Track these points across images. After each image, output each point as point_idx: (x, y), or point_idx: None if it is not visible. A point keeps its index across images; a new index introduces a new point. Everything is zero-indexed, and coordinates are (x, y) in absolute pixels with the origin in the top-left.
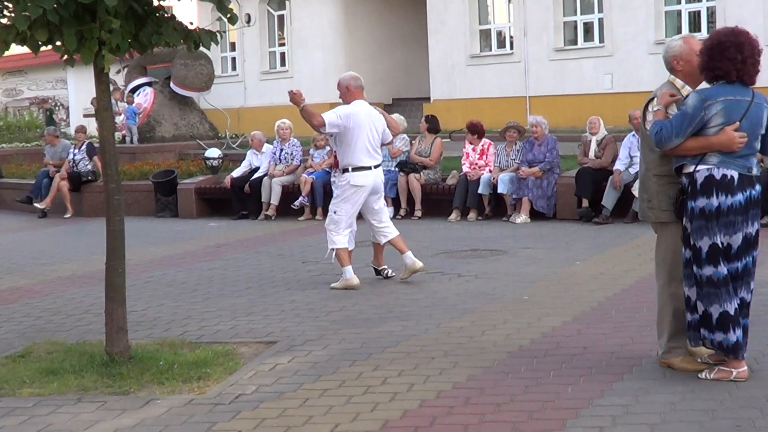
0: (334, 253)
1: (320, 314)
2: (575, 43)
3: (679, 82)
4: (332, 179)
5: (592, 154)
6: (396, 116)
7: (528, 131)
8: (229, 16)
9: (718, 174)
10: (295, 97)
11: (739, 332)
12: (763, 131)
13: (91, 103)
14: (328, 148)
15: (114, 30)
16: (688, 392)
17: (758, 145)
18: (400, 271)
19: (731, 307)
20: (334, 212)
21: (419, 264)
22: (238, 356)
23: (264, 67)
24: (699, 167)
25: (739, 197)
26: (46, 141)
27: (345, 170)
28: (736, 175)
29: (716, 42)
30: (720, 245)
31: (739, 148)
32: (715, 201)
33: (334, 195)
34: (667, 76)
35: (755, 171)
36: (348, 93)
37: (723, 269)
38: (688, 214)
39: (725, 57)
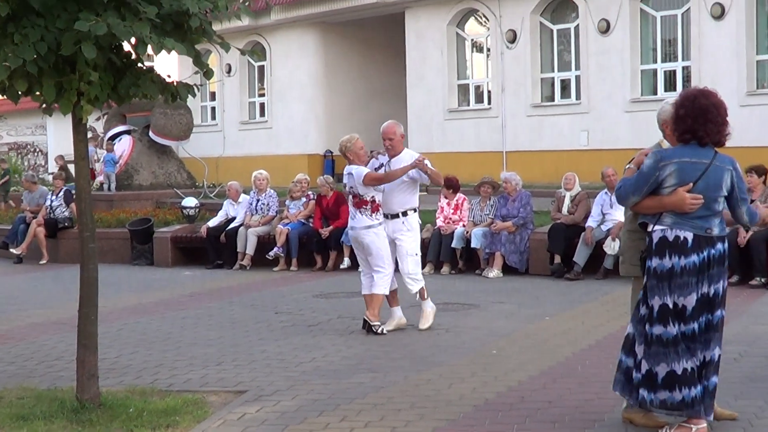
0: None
1: (290, 365)
2: (552, 99)
3: (666, 144)
4: (386, 225)
5: (565, 210)
6: None
7: (501, 187)
8: (205, 70)
9: (671, 235)
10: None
11: (687, 391)
12: (724, 193)
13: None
14: (303, 199)
15: (93, 82)
16: None
17: (719, 207)
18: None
19: (679, 367)
20: (416, 254)
21: (405, 320)
22: (207, 405)
23: (243, 117)
24: (655, 227)
25: (694, 258)
26: (24, 187)
27: (413, 210)
28: (690, 236)
29: (679, 104)
30: (671, 306)
31: (692, 209)
32: (667, 262)
33: (409, 240)
34: (644, 134)
35: (716, 232)
36: (402, 141)
37: (673, 329)
38: (646, 271)
39: (688, 119)
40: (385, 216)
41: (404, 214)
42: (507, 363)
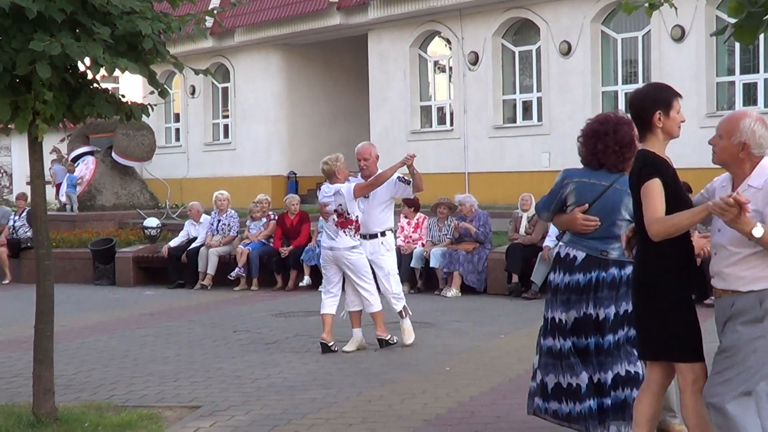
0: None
1: (246, 381)
2: (514, 120)
3: None
4: (364, 245)
5: (522, 230)
6: None
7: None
8: (160, 90)
9: (563, 252)
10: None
11: (573, 405)
12: (625, 217)
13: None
14: (264, 219)
15: (48, 101)
16: None
17: (618, 231)
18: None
19: (564, 381)
20: (397, 273)
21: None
22: (162, 420)
23: (207, 138)
24: (559, 243)
25: (578, 277)
26: None
27: (390, 230)
28: (581, 255)
29: (585, 130)
30: (556, 320)
31: (584, 230)
32: (557, 277)
33: (390, 260)
34: None
35: (613, 255)
36: (377, 162)
37: (559, 343)
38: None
39: (589, 144)
40: (363, 236)
41: (383, 234)
42: (459, 380)
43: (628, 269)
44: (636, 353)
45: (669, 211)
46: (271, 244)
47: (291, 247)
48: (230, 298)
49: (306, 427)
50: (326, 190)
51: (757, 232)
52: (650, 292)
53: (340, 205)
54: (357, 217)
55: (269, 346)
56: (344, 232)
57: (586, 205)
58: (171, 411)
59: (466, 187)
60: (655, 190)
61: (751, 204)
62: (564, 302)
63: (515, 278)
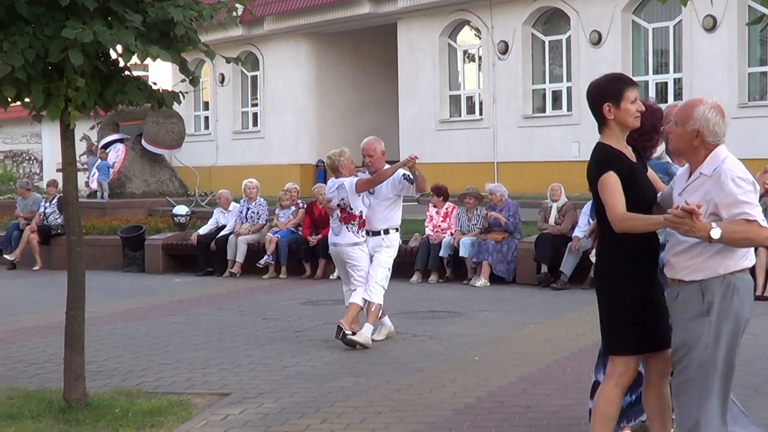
0: (374, 307)
1: (275, 369)
2: (543, 110)
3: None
4: (367, 241)
5: (552, 220)
6: None
7: (486, 197)
8: (191, 78)
9: None
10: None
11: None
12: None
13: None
14: (293, 208)
15: (80, 88)
16: None
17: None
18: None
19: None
20: (388, 268)
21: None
22: (191, 406)
23: (236, 127)
24: None
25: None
26: (18, 193)
27: (395, 230)
28: None
29: None
30: None
31: None
32: None
33: (385, 254)
34: None
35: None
36: (383, 158)
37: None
38: None
39: None
40: (367, 233)
41: (386, 231)
42: (488, 369)
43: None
44: None
45: (629, 202)
46: (300, 233)
47: (319, 235)
48: (259, 286)
49: (335, 415)
50: (330, 184)
51: (715, 233)
52: (603, 283)
53: (343, 199)
54: (361, 212)
55: (298, 335)
56: (347, 228)
57: None
58: (200, 398)
59: (495, 177)
60: (609, 183)
61: (701, 191)
62: None
63: (544, 268)
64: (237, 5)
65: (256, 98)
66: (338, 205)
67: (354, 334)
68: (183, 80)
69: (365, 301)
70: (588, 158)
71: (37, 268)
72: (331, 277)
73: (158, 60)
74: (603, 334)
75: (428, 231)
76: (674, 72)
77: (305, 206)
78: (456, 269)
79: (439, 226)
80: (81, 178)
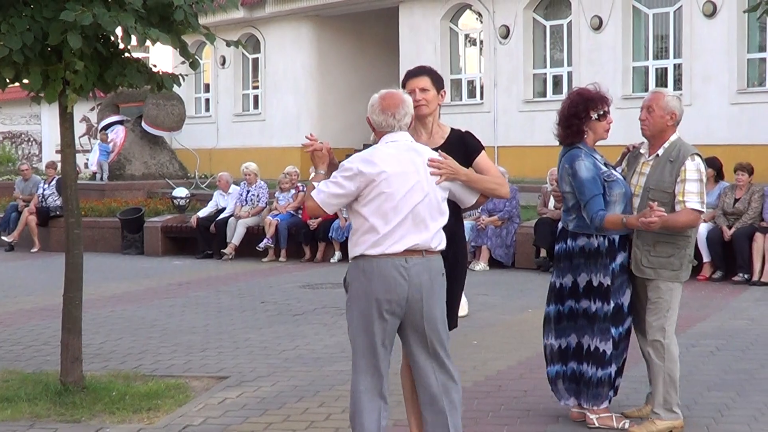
0: None
1: (273, 352)
2: (544, 95)
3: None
4: None
5: (551, 204)
6: None
7: None
8: (191, 60)
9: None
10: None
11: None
12: (567, 190)
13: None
14: (293, 191)
15: (78, 71)
16: None
17: (568, 203)
18: None
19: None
20: None
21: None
22: (189, 389)
23: (237, 109)
24: None
25: (556, 247)
26: (24, 176)
27: None
28: (560, 227)
29: None
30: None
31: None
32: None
33: None
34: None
35: (569, 227)
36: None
37: (549, 308)
38: None
39: None
40: None
41: None
42: (486, 353)
43: (578, 241)
44: (610, 331)
45: None
46: (300, 216)
47: (319, 218)
48: (258, 269)
49: (333, 398)
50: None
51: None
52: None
53: None
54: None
55: (297, 318)
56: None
57: None
58: (198, 381)
59: (496, 161)
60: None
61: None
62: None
63: (543, 253)
64: None
65: (257, 80)
66: None
67: None
68: (183, 62)
69: None
70: None
71: (35, 250)
72: (331, 260)
73: (152, 43)
74: None
75: None
76: (674, 57)
77: (305, 189)
78: None
79: None
80: (80, 160)
